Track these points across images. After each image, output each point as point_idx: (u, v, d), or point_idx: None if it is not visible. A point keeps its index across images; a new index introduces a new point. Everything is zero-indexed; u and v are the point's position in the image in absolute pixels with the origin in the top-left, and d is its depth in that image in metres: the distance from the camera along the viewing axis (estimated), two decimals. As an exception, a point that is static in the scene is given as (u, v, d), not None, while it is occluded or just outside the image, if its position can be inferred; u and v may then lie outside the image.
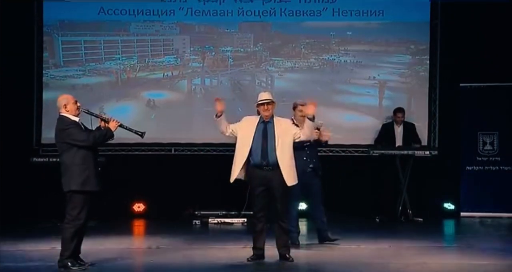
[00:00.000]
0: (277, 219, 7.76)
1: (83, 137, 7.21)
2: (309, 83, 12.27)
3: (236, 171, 7.69)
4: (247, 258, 7.73)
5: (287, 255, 7.73)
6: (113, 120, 7.42)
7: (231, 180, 7.73)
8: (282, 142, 7.66)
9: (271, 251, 7.82)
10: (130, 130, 7.59)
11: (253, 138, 7.67)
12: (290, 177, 7.66)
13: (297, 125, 8.02)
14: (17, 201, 11.25)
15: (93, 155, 7.34)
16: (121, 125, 7.48)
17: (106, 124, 7.40)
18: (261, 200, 7.70)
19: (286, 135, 7.70)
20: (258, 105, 7.77)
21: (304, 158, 8.68)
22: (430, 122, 12.05)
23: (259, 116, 7.81)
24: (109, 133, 7.38)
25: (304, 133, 7.76)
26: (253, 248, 7.79)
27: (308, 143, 8.62)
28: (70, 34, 12.27)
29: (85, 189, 7.21)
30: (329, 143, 11.91)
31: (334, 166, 11.87)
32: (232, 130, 7.77)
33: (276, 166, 7.62)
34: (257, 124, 7.74)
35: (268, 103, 7.71)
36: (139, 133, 7.67)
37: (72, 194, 7.20)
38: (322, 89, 12.28)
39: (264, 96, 7.78)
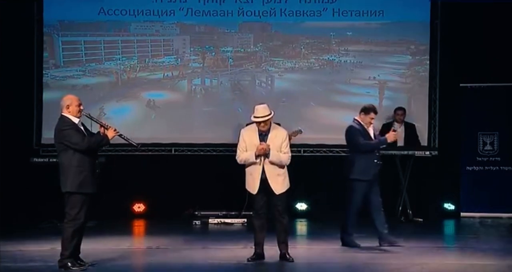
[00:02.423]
0: (277, 216, 7.76)
1: (77, 140, 7.21)
2: (309, 83, 12.28)
3: (257, 182, 7.68)
4: (247, 258, 7.73)
5: (287, 255, 7.72)
6: (112, 129, 7.43)
7: (254, 192, 7.71)
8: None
9: (271, 251, 7.82)
10: (127, 140, 7.59)
11: None
12: (277, 186, 7.68)
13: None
14: (17, 201, 11.24)
15: (90, 157, 7.33)
16: (119, 135, 7.49)
17: (106, 131, 7.42)
18: (261, 197, 7.72)
19: (274, 147, 7.66)
20: (254, 120, 7.72)
21: (375, 161, 8.72)
22: (430, 122, 12.05)
23: (256, 125, 7.76)
24: (105, 141, 7.41)
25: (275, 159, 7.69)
26: (254, 245, 7.82)
27: (384, 146, 8.75)
28: (70, 34, 12.26)
29: (81, 191, 7.22)
30: (328, 143, 12.08)
31: (334, 167, 11.87)
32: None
33: None
34: (258, 133, 7.71)
35: (264, 122, 7.65)
36: (135, 144, 7.67)
37: (70, 195, 7.23)
38: (322, 89, 12.29)
39: (260, 112, 7.65)
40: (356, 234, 8.80)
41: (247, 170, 7.79)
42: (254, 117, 7.68)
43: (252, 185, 7.72)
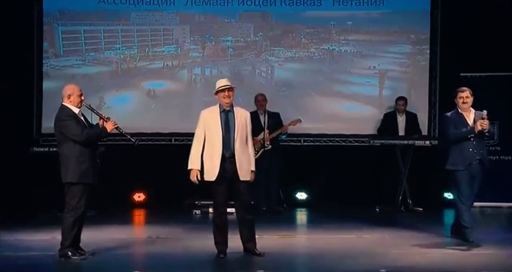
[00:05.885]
0: (241, 211, 7.50)
1: (77, 132, 7.22)
2: (309, 73, 12.27)
3: (216, 166, 7.38)
4: (220, 255, 7.47)
5: (256, 250, 7.51)
6: (111, 122, 7.42)
7: (213, 179, 7.40)
8: (240, 134, 7.45)
9: (264, 240, 7.81)
10: (125, 135, 7.58)
11: (221, 129, 7.45)
12: (243, 171, 7.40)
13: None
14: (17, 191, 11.24)
15: (91, 148, 7.35)
16: (117, 128, 7.48)
17: (105, 123, 7.41)
18: (224, 188, 7.43)
19: (243, 127, 7.48)
20: (218, 91, 7.46)
21: (470, 150, 8.34)
22: (430, 112, 12.06)
23: (218, 105, 7.54)
24: (103, 133, 7.42)
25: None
26: (216, 243, 7.53)
27: (473, 135, 8.31)
28: (70, 24, 12.23)
29: (82, 182, 7.23)
30: (328, 133, 12.07)
31: (335, 156, 11.90)
32: (205, 136, 7.54)
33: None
34: (219, 114, 7.49)
35: (229, 89, 7.45)
36: (132, 140, 7.64)
37: (70, 185, 7.24)
38: (322, 79, 12.27)
39: (224, 82, 7.49)
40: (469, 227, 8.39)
41: (206, 154, 7.47)
42: (219, 87, 7.45)
43: (212, 171, 7.38)
